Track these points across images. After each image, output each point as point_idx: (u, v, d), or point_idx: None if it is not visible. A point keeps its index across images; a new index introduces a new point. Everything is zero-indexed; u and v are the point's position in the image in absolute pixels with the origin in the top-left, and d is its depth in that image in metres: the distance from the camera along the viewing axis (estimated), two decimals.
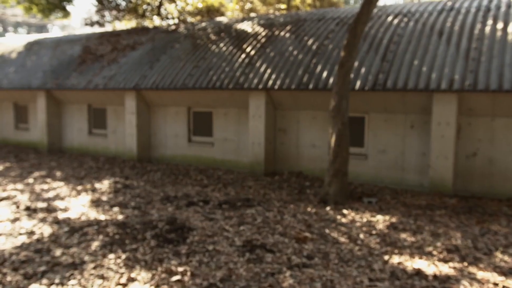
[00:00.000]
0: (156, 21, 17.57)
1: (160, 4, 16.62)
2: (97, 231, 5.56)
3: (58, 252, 4.84)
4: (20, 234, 5.46)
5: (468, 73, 7.37)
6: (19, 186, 8.30)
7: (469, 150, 7.79)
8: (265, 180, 8.82)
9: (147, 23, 17.45)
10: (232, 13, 18.17)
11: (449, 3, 9.32)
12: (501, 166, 7.56)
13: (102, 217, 6.21)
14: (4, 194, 7.57)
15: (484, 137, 7.67)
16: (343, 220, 6.15)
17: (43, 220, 6.06)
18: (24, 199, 7.26)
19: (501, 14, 8.26)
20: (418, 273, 4.32)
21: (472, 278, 4.20)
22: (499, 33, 7.82)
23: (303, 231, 5.59)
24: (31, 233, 5.50)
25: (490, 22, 8.17)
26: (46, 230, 5.61)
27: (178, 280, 4.12)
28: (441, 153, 7.62)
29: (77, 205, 6.87)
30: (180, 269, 4.37)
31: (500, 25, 7.97)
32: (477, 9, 8.70)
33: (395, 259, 4.68)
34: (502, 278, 4.22)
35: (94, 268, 4.41)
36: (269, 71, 9.26)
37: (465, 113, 7.73)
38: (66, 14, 16.05)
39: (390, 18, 9.36)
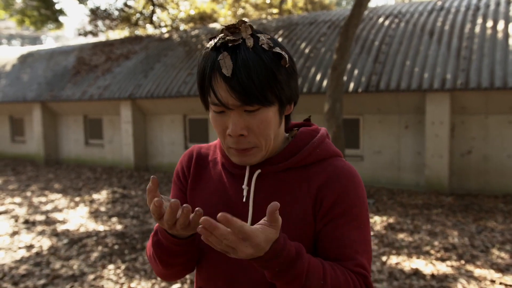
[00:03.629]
0: (149, 29, 17.64)
1: (153, 12, 16.68)
2: (96, 242, 5.58)
3: (57, 264, 4.85)
4: (19, 247, 5.47)
5: (460, 72, 7.44)
6: (17, 199, 8.31)
7: (463, 148, 7.85)
8: None
9: (140, 32, 17.51)
10: (225, 19, 18.25)
11: (439, 3, 9.41)
12: (496, 162, 7.62)
13: (101, 228, 6.23)
14: (3, 208, 7.57)
15: (478, 134, 7.73)
16: None
17: (42, 233, 6.07)
18: (22, 212, 7.27)
19: (490, 12, 8.34)
20: (416, 272, 4.35)
21: (470, 276, 4.24)
22: (489, 31, 7.90)
23: None
24: (30, 246, 5.51)
25: (479, 20, 8.25)
26: (45, 243, 5.63)
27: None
28: (436, 152, 7.68)
29: (75, 217, 6.88)
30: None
31: (489, 23, 8.06)
32: (466, 8, 8.79)
33: (393, 260, 4.72)
34: (499, 275, 4.26)
35: (94, 279, 4.43)
36: None
37: (458, 112, 7.80)
38: (59, 25, 16.10)
39: (381, 20, 9.44)
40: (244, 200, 1.15)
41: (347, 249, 1.07)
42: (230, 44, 1.02)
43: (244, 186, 1.15)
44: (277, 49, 1.05)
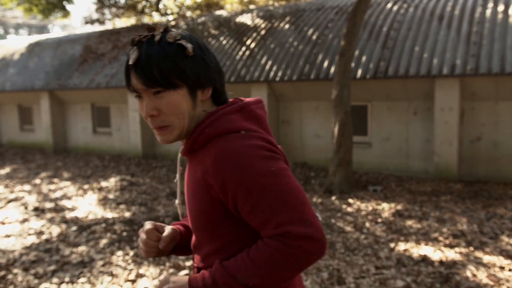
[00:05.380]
0: (156, 17, 17.56)
1: (159, 0, 16.59)
2: (105, 229, 5.62)
3: (67, 251, 4.90)
4: (29, 234, 5.53)
5: (470, 57, 7.33)
6: (27, 187, 8.38)
7: (473, 135, 7.77)
8: None
9: (146, 20, 17.45)
10: (231, 6, 18.11)
11: None
12: (506, 149, 7.54)
13: (109, 215, 6.27)
14: (12, 196, 7.65)
15: (488, 121, 7.64)
16: (349, 209, 6.18)
17: (51, 220, 6.12)
18: (32, 200, 7.34)
19: None
20: (424, 259, 4.34)
21: (478, 263, 4.22)
22: (500, 16, 7.76)
23: None
24: (40, 233, 5.57)
25: (490, 5, 8.10)
26: (54, 229, 5.68)
27: (186, 275, 4.16)
28: (445, 138, 7.60)
29: (84, 204, 6.94)
30: (188, 263, 4.41)
31: (501, 8, 7.91)
32: None
33: (401, 246, 4.70)
34: (509, 261, 4.24)
35: (103, 265, 4.47)
36: (270, 63, 9.25)
37: (468, 98, 7.70)
38: (66, 13, 16.08)
39: (389, 5, 9.31)
40: (175, 181, 1.44)
41: (259, 220, 1.15)
42: (143, 40, 1.22)
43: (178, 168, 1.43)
44: (182, 42, 1.21)
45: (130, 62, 1.20)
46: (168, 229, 1.40)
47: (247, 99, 1.33)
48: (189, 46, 1.21)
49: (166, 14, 17.37)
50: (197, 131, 1.23)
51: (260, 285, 1.17)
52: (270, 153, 1.18)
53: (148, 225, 1.37)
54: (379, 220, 5.64)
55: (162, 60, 1.18)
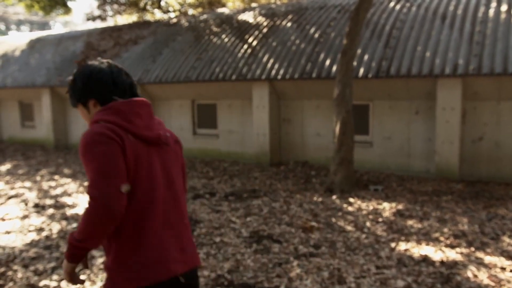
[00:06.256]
0: (157, 14, 17.52)
1: None
2: None
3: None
4: (30, 231, 5.53)
5: (472, 57, 7.30)
6: (27, 183, 8.38)
7: (475, 135, 7.74)
8: (271, 171, 8.83)
9: (148, 17, 17.41)
10: (233, 4, 18.07)
11: None
12: (508, 149, 7.52)
13: None
14: (13, 192, 7.65)
15: (490, 121, 7.61)
16: (350, 208, 6.16)
17: (51, 216, 6.12)
18: (32, 196, 7.33)
19: None
20: (425, 259, 4.33)
21: (479, 263, 4.21)
22: (503, 16, 7.72)
23: (310, 220, 5.61)
24: (40, 230, 5.56)
25: (494, 4, 8.07)
26: (54, 226, 5.68)
27: None
28: (447, 138, 7.58)
29: (84, 201, 6.92)
30: None
31: (504, 7, 7.88)
32: None
33: (402, 246, 4.69)
34: (510, 262, 4.22)
35: (103, 262, 4.45)
36: (272, 61, 9.23)
37: (470, 98, 7.68)
38: (68, 10, 16.03)
39: (392, 4, 9.27)
40: None
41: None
42: None
43: None
44: (71, 76, 1.96)
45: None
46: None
47: (120, 100, 1.86)
48: (69, 79, 1.96)
49: (168, 11, 17.34)
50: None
51: (85, 240, 1.70)
52: (102, 137, 1.70)
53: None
54: (380, 219, 5.63)
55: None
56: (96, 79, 1.87)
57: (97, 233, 1.67)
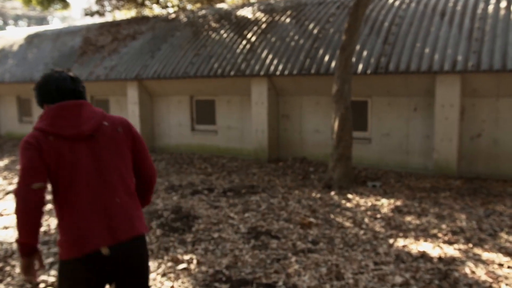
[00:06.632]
0: (156, 9, 17.46)
1: None
2: None
3: None
4: None
5: (471, 54, 7.30)
6: None
7: (473, 132, 7.75)
8: (269, 167, 8.83)
9: (146, 12, 17.35)
10: (232, 0, 18.00)
11: None
12: (507, 146, 7.52)
13: None
14: (11, 188, 7.63)
15: (488, 118, 7.62)
16: (348, 204, 6.17)
17: (49, 212, 6.11)
18: None
19: None
20: (423, 255, 4.33)
21: (477, 260, 4.22)
22: (502, 12, 7.71)
23: (308, 216, 5.61)
24: None
25: (493, 1, 8.06)
26: (52, 222, 5.67)
27: (184, 269, 4.15)
28: (445, 135, 7.59)
29: None
30: (186, 257, 4.40)
31: (503, 4, 7.87)
32: None
33: (400, 242, 4.70)
34: (507, 258, 4.23)
35: None
36: (270, 57, 9.21)
37: (469, 94, 7.68)
38: (66, 5, 15.98)
39: (391, 0, 9.25)
40: None
41: None
42: None
43: None
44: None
45: None
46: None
47: (53, 105, 2.22)
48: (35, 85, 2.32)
49: (166, 6, 17.28)
50: None
51: (19, 232, 2.09)
52: (25, 144, 2.11)
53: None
54: (378, 216, 5.64)
55: None
56: (44, 87, 2.26)
57: (23, 223, 2.07)
